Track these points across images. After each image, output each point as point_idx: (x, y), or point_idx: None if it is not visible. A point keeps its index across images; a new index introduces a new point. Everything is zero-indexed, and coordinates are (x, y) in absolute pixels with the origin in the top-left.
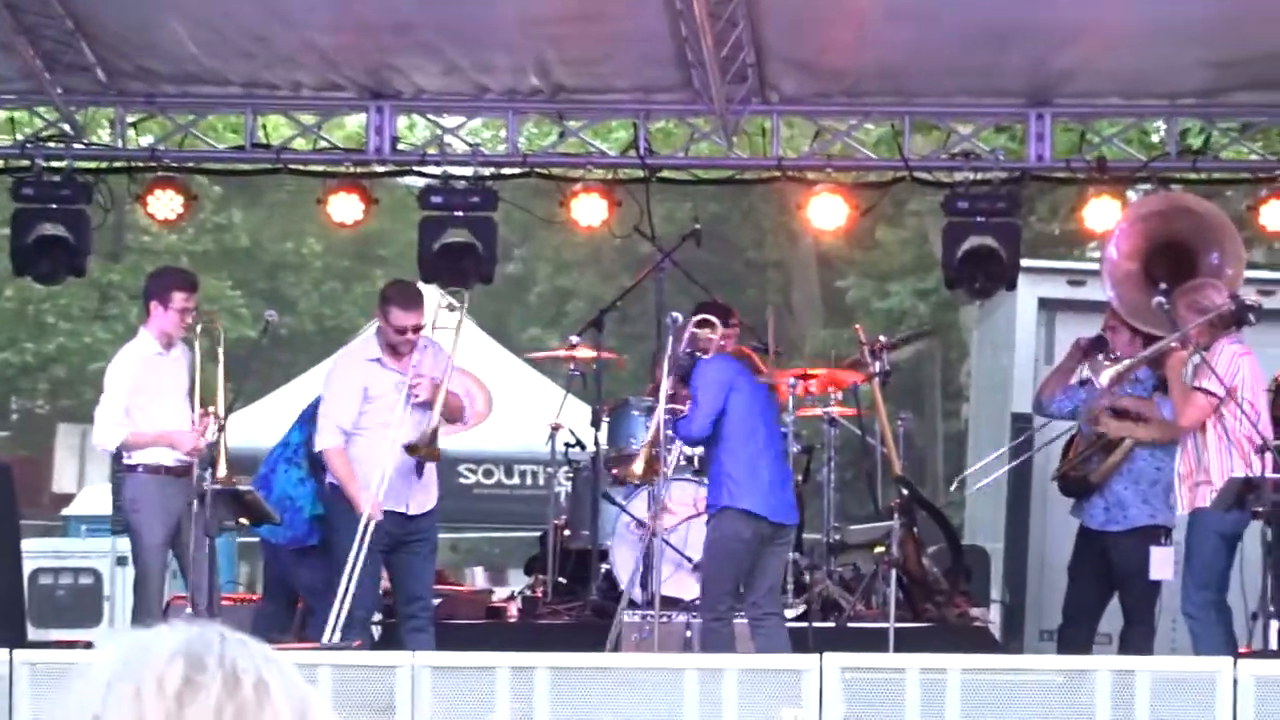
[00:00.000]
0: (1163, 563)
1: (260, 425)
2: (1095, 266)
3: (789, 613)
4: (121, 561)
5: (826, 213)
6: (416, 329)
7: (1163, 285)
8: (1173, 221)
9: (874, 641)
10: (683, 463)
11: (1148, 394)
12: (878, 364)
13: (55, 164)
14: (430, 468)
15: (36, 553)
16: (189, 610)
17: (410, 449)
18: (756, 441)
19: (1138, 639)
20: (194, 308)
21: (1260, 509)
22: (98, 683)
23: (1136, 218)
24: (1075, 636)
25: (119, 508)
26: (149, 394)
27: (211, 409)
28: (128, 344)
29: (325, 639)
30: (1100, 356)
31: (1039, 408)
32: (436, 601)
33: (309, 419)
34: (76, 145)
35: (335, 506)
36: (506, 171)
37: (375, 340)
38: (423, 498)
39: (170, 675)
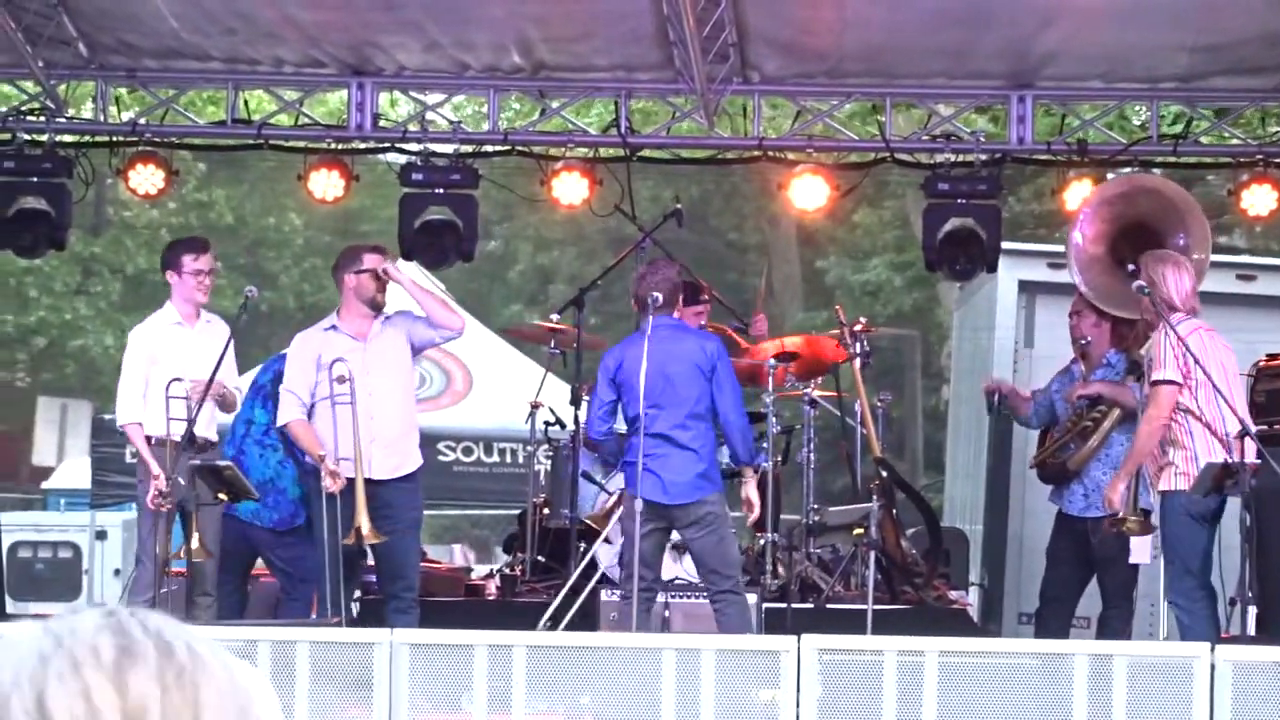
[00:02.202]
0: (1141, 547)
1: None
2: None
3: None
4: (100, 535)
5: (807, 193)
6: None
7: (1130, 267)
8: (1137, 203)
9: (852, 623)
10: None
11: (1120, 378)
12: (858, 345)
13: (36, 137)
14: (404, 432)
15: (15, 526)
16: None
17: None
18: (641, 424)
19: (1116, 622)
20: (209, 269)
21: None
22: (29, 658)
23: (1101, 201)
24: (1053, 620)
25: (100, 480)
26: (163, 366)
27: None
28: (150, 316)
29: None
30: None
31: (1023, 424)
32: None
33: (268, 396)
34: (58, 119)
35: (315, 485)
36: (487, 149)
37: (335, 313)
38: (395, 463)
39: (103, 645)
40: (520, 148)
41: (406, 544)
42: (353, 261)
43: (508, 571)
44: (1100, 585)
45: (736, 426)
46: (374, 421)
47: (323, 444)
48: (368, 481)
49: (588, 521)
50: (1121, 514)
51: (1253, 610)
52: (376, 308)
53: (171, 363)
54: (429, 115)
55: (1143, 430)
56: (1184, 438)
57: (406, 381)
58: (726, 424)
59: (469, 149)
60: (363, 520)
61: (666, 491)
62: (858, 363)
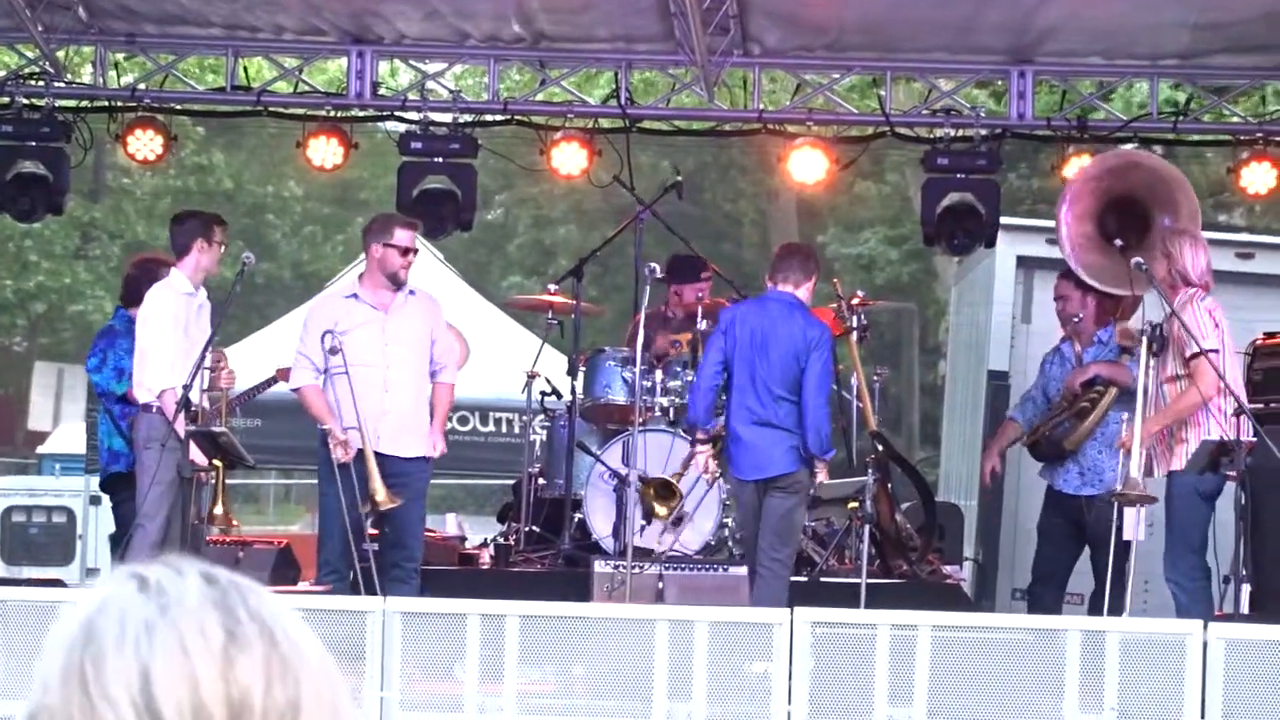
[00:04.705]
0: (1134, 523)
1: (236, 369)
2: None
3: None
4: (95, 500)
5: (807, 166)
6: (413, 249)
7: (1119, 243)
8: (1127, 177)
9: (846, 597)
10: (657, 414)
11: (1115, 356)
12: (855, 319)
13: (35, 102)
14: (419, 408)
15: (10, 490)
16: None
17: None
18: (734, 399)
19: (1109, 599)
20: None
21: (1234, 472)
22: (134, 623)
23: (1088, 178)
24: (1045, 596)
25: (94, 446)
26: (177, 334)
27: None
28: (159, 284)
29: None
30: (1073, 320)
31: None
32: None
33: (99, 355)
34: (57, 83)
35: (321, 451)
36: (487, 118)
37: (356, 279)
38: (407, 441)
39: (210, 626)
40: (519, 118)
41: (412, 514)
42: (384, 232)
43: (502, 541)
44: (1093, 563)
45: (812, 418)
46: (389, 394)
47: (333, 414)
48: (380, 455)
49: (669, 480)
50: (1121, 490)
51: (1246, 589)
52: (398, 283)
53: (182, 332)
54: (428, 84)
55: (1192, 397)
56: (1200, 416)
57: (424, 361)
58: (803, 412)
59: (468, 118)
60: (378, 487)
61: (760, 467)
62: (854, 336)
